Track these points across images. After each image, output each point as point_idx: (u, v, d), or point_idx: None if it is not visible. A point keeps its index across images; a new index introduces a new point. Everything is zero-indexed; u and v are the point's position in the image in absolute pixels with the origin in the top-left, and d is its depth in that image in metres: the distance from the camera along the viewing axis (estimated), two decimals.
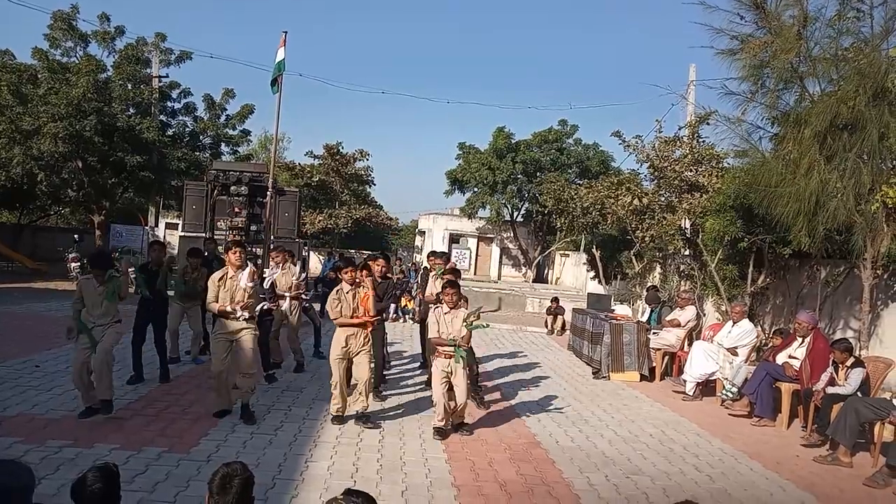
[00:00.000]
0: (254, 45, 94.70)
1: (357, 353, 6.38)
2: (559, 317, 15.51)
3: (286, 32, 13.70)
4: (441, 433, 6.16)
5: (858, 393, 6.55)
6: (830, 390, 6.71)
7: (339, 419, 6.35)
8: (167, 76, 21.96)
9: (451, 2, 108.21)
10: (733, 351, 8.61)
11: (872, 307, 8.36)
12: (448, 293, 6.36)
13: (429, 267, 9.31)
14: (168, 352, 7.91)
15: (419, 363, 9.58)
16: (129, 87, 20.15)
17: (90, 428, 5.58)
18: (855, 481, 5.77)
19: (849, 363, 6.74)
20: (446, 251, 8.40)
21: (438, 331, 6.31)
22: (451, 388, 6.24)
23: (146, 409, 6.29)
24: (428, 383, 7.97)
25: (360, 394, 6.37)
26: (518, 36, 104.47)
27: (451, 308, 6.32)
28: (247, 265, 6.40)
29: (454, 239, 34.53)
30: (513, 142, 31.44)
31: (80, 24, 20.12)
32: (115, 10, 53.88)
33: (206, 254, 9.35)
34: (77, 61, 19.59)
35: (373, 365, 6.63)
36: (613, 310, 11.88)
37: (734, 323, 8.86)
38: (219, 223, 15.48)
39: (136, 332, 7.34)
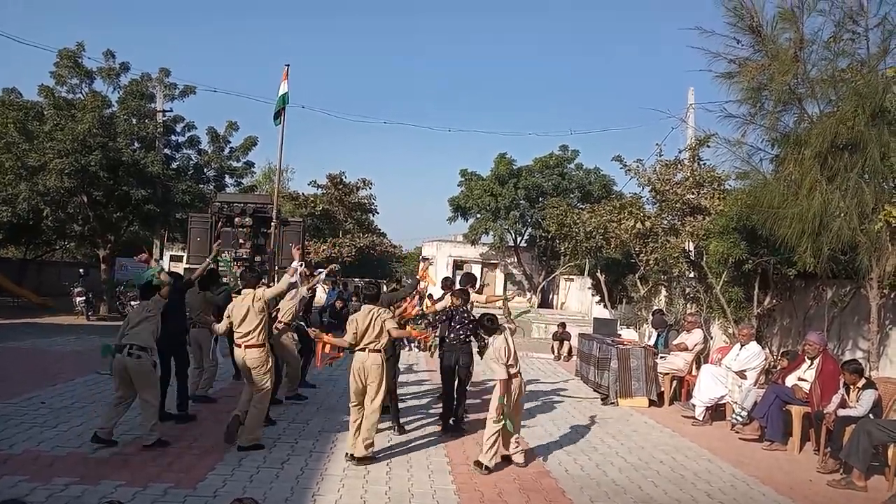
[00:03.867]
0: (256, 77, 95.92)
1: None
2: (566, 342, 15.43)
3: (288, 65, 13.88)
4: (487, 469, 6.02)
5: (871, 415, 6.48)
6: (842, 413, 6.64)
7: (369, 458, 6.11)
8: (171, 110, 22.23)
9: (450, 31, 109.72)
10: (742, 374, 8.54)
11: (881, 327, 8.30)
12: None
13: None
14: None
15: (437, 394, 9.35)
16: (134, 122, 20.36)
17: (96, 465, 5.54)
18: None
19: (860, 384, 6.67)
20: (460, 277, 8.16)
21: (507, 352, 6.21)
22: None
23: (152, 445, 6.23)
24: (442, 417, 7.75)
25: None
26: (518, 63, 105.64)
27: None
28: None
29: (458, 265, 34.56)
30: (514, 168, 31.63)
31: (85, 61, 20.43)
32: (120, 47, 54.66)
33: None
34: (82, 97, 19.84)
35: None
36: (620, 334, 11.83)
37: (742, 345, 8.80)
38: (223, 254, 15.53)
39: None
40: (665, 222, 13.46)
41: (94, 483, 5.07)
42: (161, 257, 26.60)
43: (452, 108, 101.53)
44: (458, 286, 8.11)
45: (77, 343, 12.99)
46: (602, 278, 17.28)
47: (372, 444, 6.08)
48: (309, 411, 8.14)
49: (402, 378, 10.73)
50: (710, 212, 12.15)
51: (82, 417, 7.05)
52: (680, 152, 14.32)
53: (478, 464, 6.04)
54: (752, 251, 10.06)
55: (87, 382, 8.92)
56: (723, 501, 5.61)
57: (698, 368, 9.48)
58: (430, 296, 9.23)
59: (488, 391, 9.24)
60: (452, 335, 7.44)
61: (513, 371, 6.21)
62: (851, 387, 6.74)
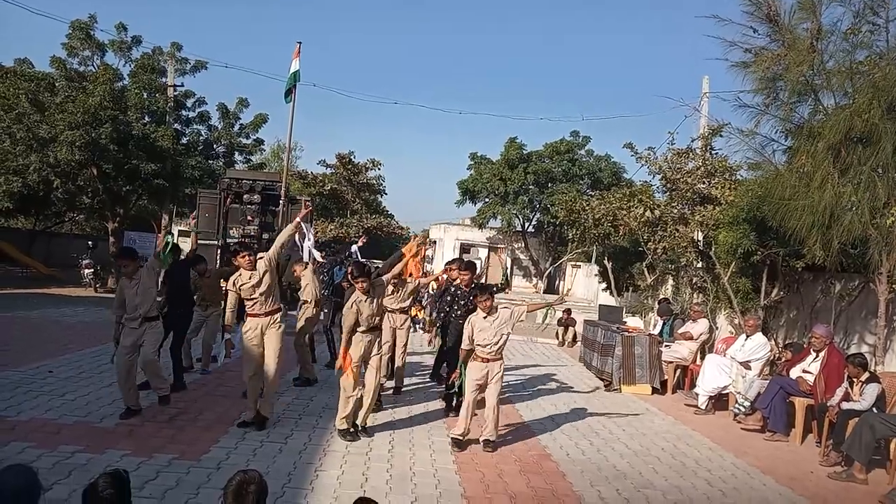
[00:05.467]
0: (268, 54, 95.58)
1: (372, 357, 6.29)
2: (570, 328, 15.44)
3: (300, 43, 13.82)
4: (459, 444, 6.13)
5: (874, 409, 6.47)
6: (845, 406, 6.63)
7: (347, 433, 6.16)
8: (182, 85, 22.17)
9: (464, 14, 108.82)
10: (746, 365, 8.54)
11: (888, 322, 8.27)
12: (484, 300, 6.25)
13: (449, 278, 8.35)
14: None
15: (430, 375, 9.51)
16: (145, 96, 20.34)
17: (102, 434, 5.61)
18: (870, 499, 5.70)
19: (863, 378, 6.66)
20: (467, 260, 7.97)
21: (472, 337, 6.16)
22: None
23: (157, 416, 6.30)
24: (444, 398, 7.88)
25: (365, 408, 6.24)
26: (530, 47, 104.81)
27: (486, 314, 6.21)
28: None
29: (465, 249, 34.53)
30: (524, 152, 31.45)
31: (97, 33, 20.38)
32: (132, 20, 54.53)
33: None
34: (94, 70, 19.82)
35: (381, 374, 6.53)
36: (625, 322, 11.82)
37: (747, 336, 8.79)
38: (231, 231, 15.59)
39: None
40: (675, 211, 13.37)
41: (100, 452, 5.14)
42: (170, 232, 26.68)
43: (463, 91, 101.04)
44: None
45: (85, 314, 13.10)
46: (609, 266, 17.20)
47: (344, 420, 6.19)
48: (314, 387, 8.20)
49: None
50: (721, 202, 12.06)
51: (89, 387, 7.12)
52: (692, 141, 14.21)
53: (486, 442, 6.13)
54: (761, 242, 10.01)
55: (94, 353, 9.00)
56: (723, 490, 5.64)
57: (703, 358, 9.48)
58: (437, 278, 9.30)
59: None
60: (460, 313, 7.46)
61: (485, 352, 6.19)
62: (855, 380, 6.73)
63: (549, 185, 30.73)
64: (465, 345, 6.25)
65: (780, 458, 6.73)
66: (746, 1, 8.82)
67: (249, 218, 15.37)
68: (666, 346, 10.21)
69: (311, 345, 8.96)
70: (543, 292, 31.03)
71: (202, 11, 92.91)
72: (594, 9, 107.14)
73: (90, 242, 21.60)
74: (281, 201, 14.47)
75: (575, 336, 15.07)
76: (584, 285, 29.08)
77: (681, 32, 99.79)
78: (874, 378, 6.72)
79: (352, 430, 6.19)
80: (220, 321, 8.13)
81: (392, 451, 5.93)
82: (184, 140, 22.11)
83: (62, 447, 5.16)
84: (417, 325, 15.42)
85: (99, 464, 4.80)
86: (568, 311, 16.08)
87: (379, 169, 34.72)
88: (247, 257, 6.30)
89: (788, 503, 5.46)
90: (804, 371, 7.64)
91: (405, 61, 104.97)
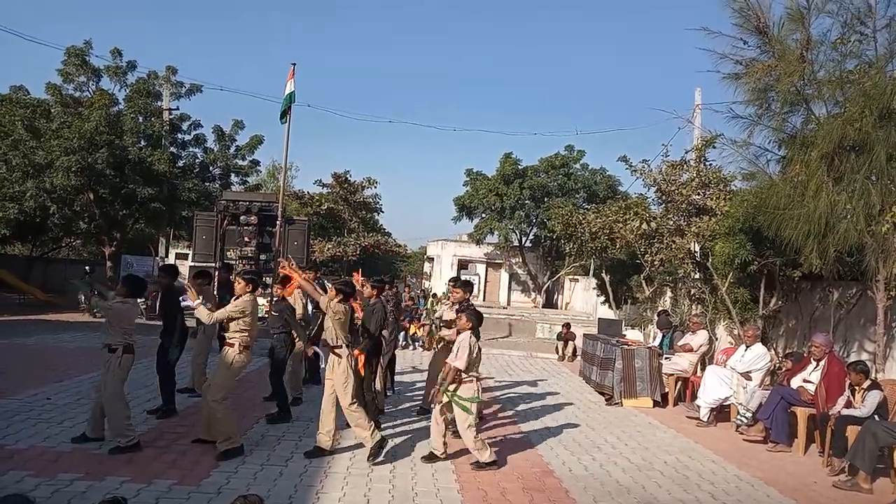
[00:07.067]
0: (262, 74, 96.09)
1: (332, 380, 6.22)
2: (570, 343, 15.40)
3: (294, 64, 13.96)
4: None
5: (876, 416, 6.45)
6: (845, 412, 6.62)
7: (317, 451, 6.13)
8: (177, 108, 22.31)
9: (457, 30, 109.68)
10: (747, 375, 8.52)
11: (887, 329, 8.26)
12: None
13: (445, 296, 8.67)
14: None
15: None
16: (141, 120, 20.46)
17: (101, 461, 5.56)
18: None
19: (865, 385, 6.65)
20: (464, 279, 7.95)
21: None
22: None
23: (156, 441, 6.26)
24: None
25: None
26: (524, 63, 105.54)
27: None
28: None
29: (463, 265, 34.55)
30: (520, 168, 31.58)
31: (92, 59, 20.53)
32: (127, 45, 54.83)
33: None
34: (90, 95, 19.93)
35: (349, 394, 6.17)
36: (625, 335, 11.81)
37: (747, 347, 8.77)
38: (229, 253, 15.58)
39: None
40: (671, 223, 13.42)
41: (99, 479, 5.09)
42: (167, 255, 26.68)
43: (458, 108, 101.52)
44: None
45: (83, 340, 13.04)
46: (607, 279, 17.22)
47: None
48: (313, 409, 8.12)
49: (406, 378, 10.77)
50: (716, 213, 12.11)
51: (87, 414, 7.05)
52: (686, 153, 14.27)
53: (478, 464, 6.05)
54: (757, 252, 10.03)
55: (92, 379, 8.91)
56: (726, 502, 5.60)
57: (703, 369, 9.46)
58: (434, 294, 9.26)
59: (487, 391, 9.27)
60: None
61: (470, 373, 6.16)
62: (857, 388, 6.72)
63: (545, 199, 30.81)
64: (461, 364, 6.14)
65: (784, 469, 6.70)
66: (736, 13, 8.93)
67: (247, 239, 15.35)
68: (666, 358, 10.18)
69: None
70: (542, 307, 31.02)
71: (198, 35, 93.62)
72: (588, 21, 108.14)
73: (87, 268, 21.56)
74: (278, 222, 14.49)
75: (575, 350, 15.02)
76: (583, 299, 29.07)
77: (673, 45, 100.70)
78: (876, 385, 6.71)
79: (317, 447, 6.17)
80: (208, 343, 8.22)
81: (394, 471, 5.89)
82: (180, 163, 22.19)
83: (61, 475, 5.11)
84: (416, 343, 15.41)
85: (98, 491, 4.75)
86: (567, 326, 16.05)
87: (375, 187, 34.79)
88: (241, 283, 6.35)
89: None
90: (805, 380, 7.62)
91: (399, 80, 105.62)
